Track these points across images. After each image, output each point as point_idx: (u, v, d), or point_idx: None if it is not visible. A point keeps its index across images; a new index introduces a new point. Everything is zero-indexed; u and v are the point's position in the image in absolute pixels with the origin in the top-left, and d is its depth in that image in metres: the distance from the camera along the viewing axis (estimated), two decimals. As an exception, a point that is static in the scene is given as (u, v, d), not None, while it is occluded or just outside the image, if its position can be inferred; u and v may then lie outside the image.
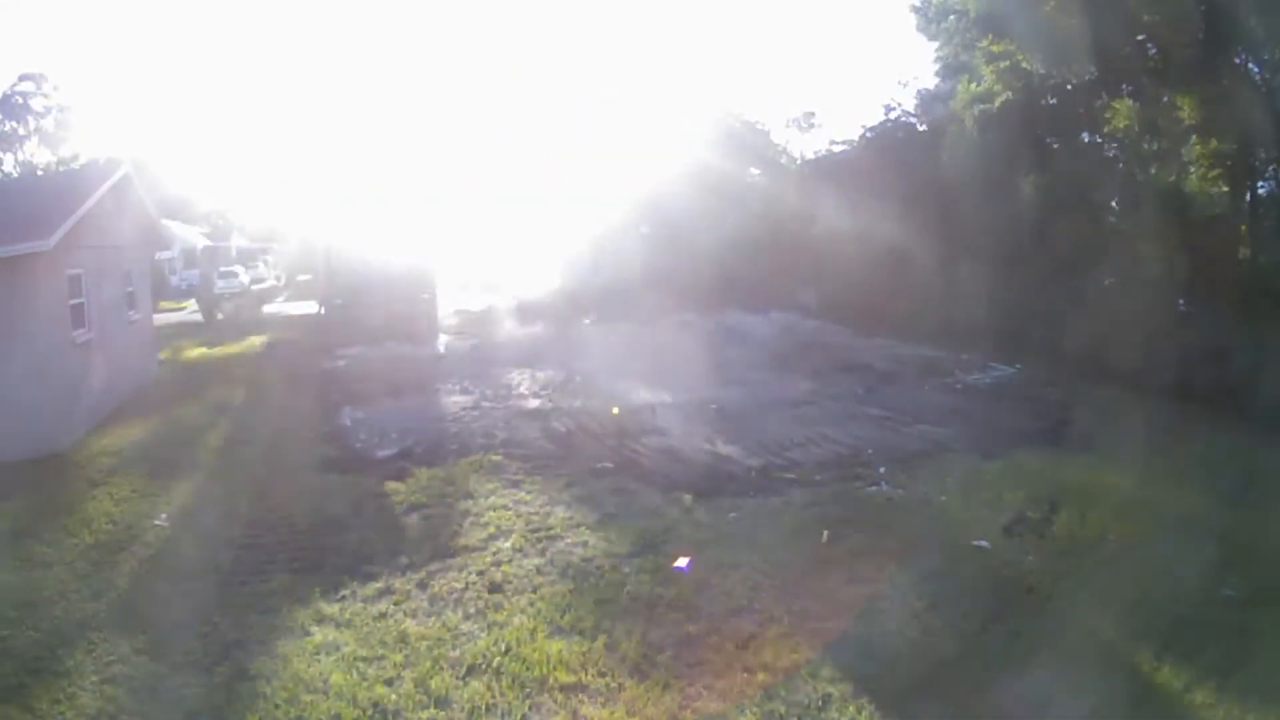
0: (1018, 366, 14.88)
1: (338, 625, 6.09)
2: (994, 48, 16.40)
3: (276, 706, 5.13)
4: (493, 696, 5.20)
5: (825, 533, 7.55)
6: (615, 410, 11.20)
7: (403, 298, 19.60)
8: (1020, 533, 7.57)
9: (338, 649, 5.75)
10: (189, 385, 15.55)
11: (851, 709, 5.06)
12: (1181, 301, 15.50)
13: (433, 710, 5.09)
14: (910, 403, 12.82)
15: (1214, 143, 13.59)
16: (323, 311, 21.17)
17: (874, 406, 12.63)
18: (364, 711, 5.07)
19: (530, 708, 5.11)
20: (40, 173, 43.45)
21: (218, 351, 19.58)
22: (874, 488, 8.91)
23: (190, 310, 30.94)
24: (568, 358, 16.71)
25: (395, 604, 6.39)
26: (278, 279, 50.88)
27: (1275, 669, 5.45)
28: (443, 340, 20.22)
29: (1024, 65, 15.99)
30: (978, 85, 16.99)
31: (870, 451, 10.15)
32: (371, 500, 8.73)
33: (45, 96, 47.84)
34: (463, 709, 5.10)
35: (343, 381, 15.17)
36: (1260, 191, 14.65)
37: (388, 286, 19.56)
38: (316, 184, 34.98)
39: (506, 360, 17.03)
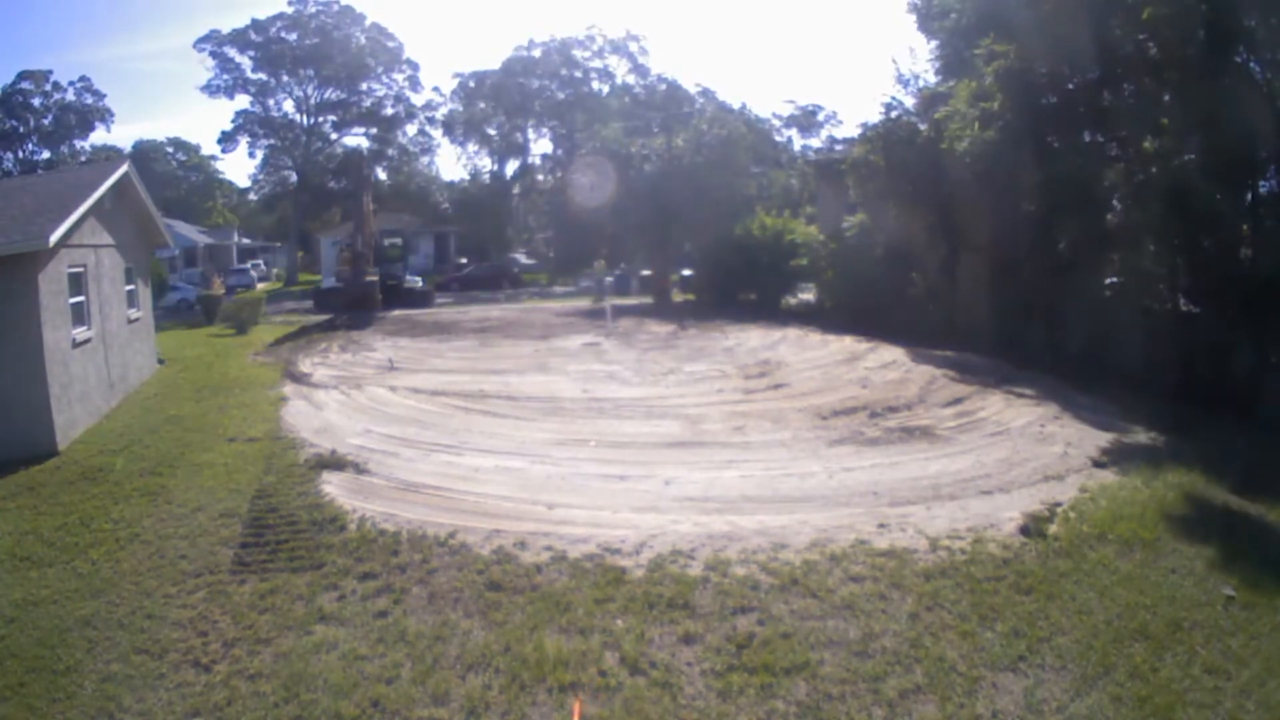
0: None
1: (338, 623, 6.10)
2: (994, 47, 16.36)
3: (276, 706, 5.13)
4: (492, 695, 5.21)
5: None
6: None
7: None
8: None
9: (337, 647, 5.76)
10: (190, 383, 15.55)
11: (853, 707, 5.06)
12: (1182, 301, 15.49)
13: (432, 708, 5.09)
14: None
15: (1215, 141, 13.54)
16: None
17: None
18: (363, 710, 5.08)
19: (529, 705, 5.11)
20: (41, 170, 43.49)
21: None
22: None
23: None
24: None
25: (394, 602, 6.40)
26: (276, 278, 50.93)
27: (1276, 669, 5.45)
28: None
29: (1024, 64, 15.95)
30: (978, 84, 16.94)
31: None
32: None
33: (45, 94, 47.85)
34: (462, 707, 5.10)
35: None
36: (1261, 191, 14.60)
37: None
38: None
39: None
